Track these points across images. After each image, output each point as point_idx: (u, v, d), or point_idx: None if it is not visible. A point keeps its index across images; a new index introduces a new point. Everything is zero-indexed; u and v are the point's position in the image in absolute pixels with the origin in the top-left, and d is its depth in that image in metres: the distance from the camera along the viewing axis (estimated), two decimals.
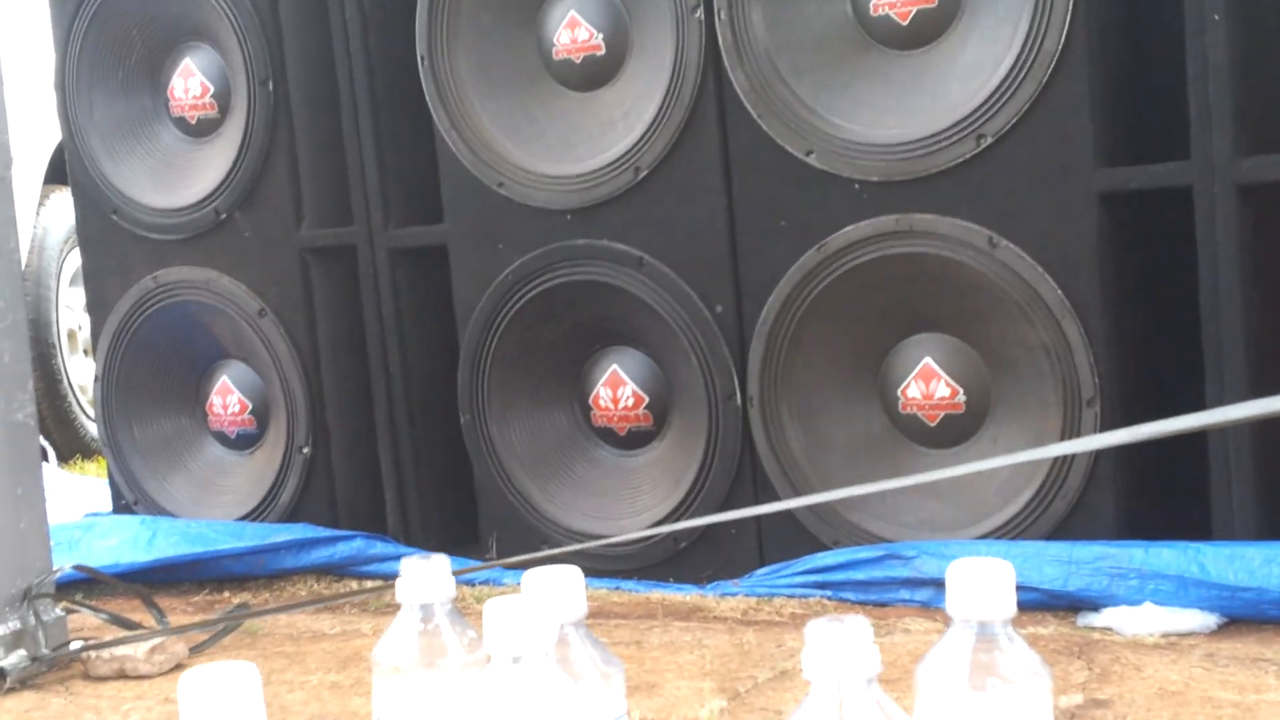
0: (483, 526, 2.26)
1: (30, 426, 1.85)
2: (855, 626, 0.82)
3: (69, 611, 1.89)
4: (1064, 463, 1.83)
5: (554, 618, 0.95)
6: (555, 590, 1.07)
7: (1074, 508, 1.84)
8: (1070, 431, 1.83)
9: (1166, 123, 1.83)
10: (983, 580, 0.95)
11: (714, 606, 1.95)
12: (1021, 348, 1.86)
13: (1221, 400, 1.77)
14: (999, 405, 1.91)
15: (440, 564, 1.15)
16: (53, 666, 1.80)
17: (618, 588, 2.09)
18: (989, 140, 1.83)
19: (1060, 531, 1.84)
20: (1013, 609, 0.95)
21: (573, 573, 1.08)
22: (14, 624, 1.79)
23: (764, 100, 1.95)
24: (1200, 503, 1.82)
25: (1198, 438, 1.79)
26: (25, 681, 1.75)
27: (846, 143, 1.91)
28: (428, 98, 2.19)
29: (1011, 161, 1.83)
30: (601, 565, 2.14)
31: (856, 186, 1.91)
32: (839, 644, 0.81)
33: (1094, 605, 1.74)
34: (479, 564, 2.16)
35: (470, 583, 2.17)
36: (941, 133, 1.85)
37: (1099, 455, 1.81)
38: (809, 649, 0.82)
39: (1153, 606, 1.69)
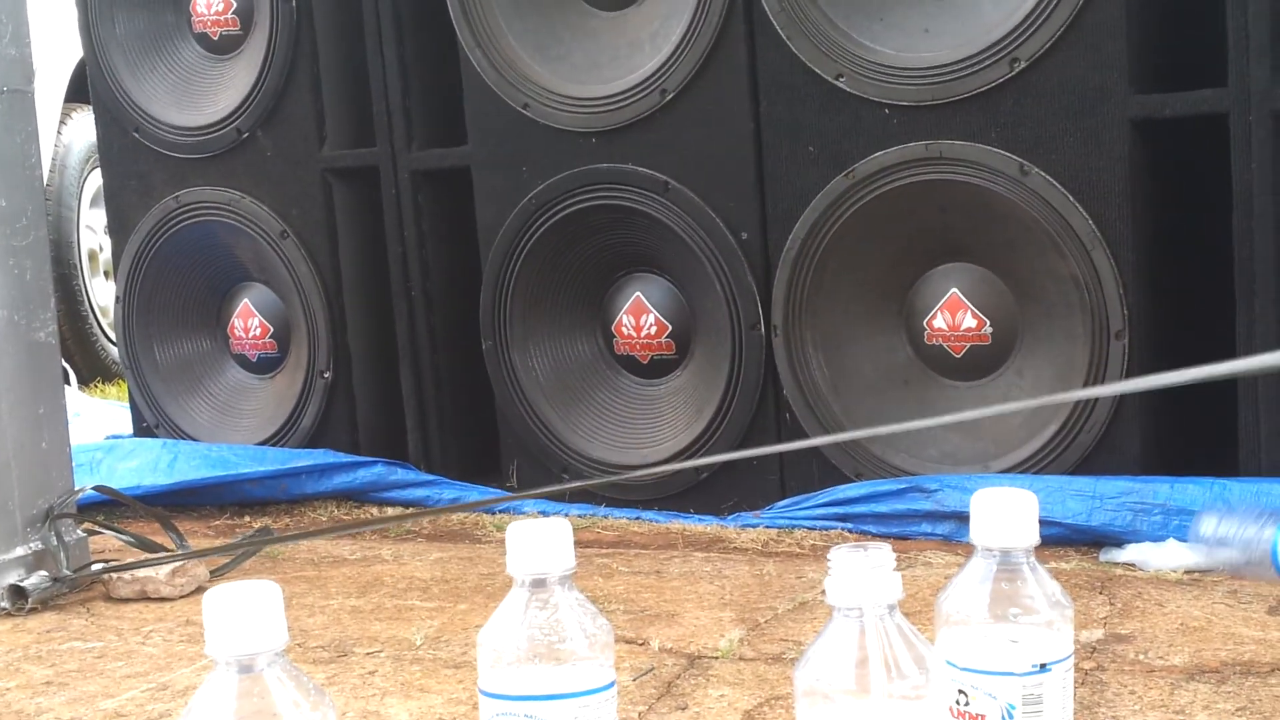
0: (504, 454, 2.26)
1: (52, 345, 1.84)
2: (878, 553, 0.81)
3: (90, 533, 1.90)
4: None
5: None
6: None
7: (1099, 443, 1.82)
8: (1098, 364, 1.80)
9: (1203, 49, 1.80)
10: (1006, 509, 0.94)
11: (734, 538, 1.94)
12: (1050, 278, 1.84)
13: (1251, 334, 1.75)
14: (1026, 337, 1.89)
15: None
16: (74, 587, 1.80)
17: (638, 518, 2.09)
18: (1022, 64, 1.79)
19: (1085, 466, 1.83)
20: (1035, 538, 0.94)
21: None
22: (35, 544, 1.79)
23: (794, 21, 1.92)
24: (1227, 439, 1.80)
25: None
26: (47, 602, 1.76)
27: (877, 66, 1.88)
28: (452, 16, 2.16)
29: (1044, 87, 1.79)
30: (622, 495, 2.13)
31: (886, 111, 1.88)
32: (862, 569, 0.80)
33: (1117, 541, 1.73)
34: (503, 494, 2.15)
35: (490, 511, 2.17)
36: (974, 56, 1.82)
37: None
38: (832, 574, 0.81)
39: (1176, 543, 1.68)
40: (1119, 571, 1.67)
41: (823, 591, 0.82)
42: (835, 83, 1.91)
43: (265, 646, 0.79)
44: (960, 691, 0.93)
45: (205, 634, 0.80)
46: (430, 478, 2.26)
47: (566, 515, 2.04)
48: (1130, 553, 1.70)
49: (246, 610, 0.79)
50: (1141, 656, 1.37)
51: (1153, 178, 1.82)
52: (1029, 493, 0.94)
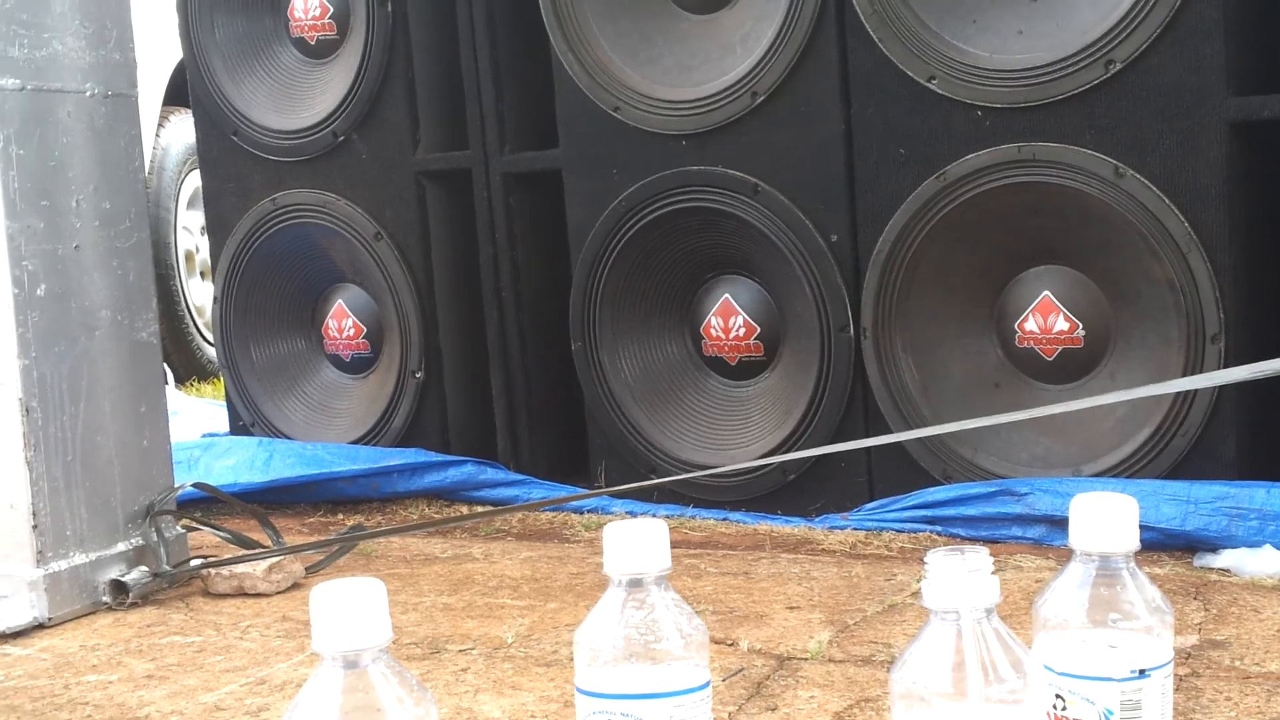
0: (592, 454, 2.27)
1: (154, 345, 1.88)
2: (975, 556, 0.81)
3: (189, 530, 1.93)
4: (1184, 400, 1.79)
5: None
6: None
7: (1194, 446, 1.80)
8: (1193, 369, 1.78)
9: None
10: (1107, 513, 0.93)
11: (822, 539, 1.94)
12: (1144, 281, 1.82)
13: None
14: (1119, 341, 1.87)
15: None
16: (173, 583, 1.84)
17: (726, 519, 2.09)
18: (1118, 66, 1.78)
19: (1179, 471, 1.81)
20: (1135, 543, 0.94)
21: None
22: (136, 540, 1.83)
23: (886, 23, 1.91)
24: None
25: None
26: (147, 597, 1.80)
27: (970, 68, 1.87)
28: (545, 20, 2.17)
29: (1140, 89, 1.78)
30: (709, 496, 2.14)
31: (979, 113, 1.87)
32: (959, 572, 0.80)
33: (1212, 546, 1.71)
34: (585, 491, 2.17)
35: (579, 510, 2.19)
36: (1069, 58, 1.80)
37: (1221, 393, 1.77)
38: (929, 577, 0.81)
39: (1273, 549, 1.66)
40: (1214, 577, 1.65)
41: (914, 594, 0.82)
42: (927, 85, 1.90)
43: (371, 643, 0.81)
44: (1058, 696, 0.93)
45: (311, 629, 0.81)
46: (519, 477, 2.28)
47: (654, 516, 2.05)
48: (1225, 558, 1.68)
49: (352, 606, 0.81)
50: (1237, 663, 1.36)
51: (1250, 180, 1.80)
52: (1129, 497, 0.94)
